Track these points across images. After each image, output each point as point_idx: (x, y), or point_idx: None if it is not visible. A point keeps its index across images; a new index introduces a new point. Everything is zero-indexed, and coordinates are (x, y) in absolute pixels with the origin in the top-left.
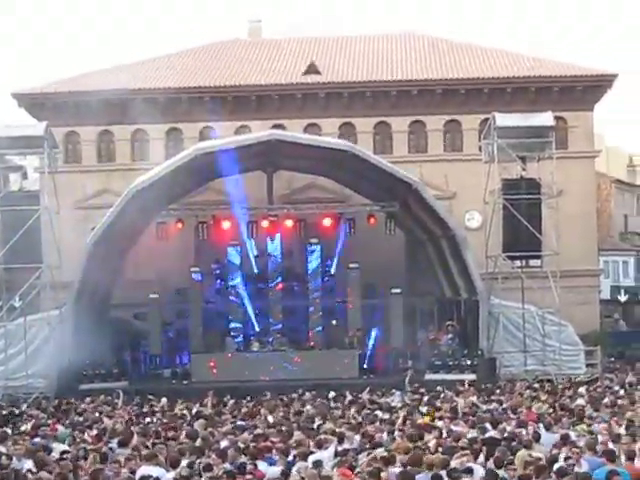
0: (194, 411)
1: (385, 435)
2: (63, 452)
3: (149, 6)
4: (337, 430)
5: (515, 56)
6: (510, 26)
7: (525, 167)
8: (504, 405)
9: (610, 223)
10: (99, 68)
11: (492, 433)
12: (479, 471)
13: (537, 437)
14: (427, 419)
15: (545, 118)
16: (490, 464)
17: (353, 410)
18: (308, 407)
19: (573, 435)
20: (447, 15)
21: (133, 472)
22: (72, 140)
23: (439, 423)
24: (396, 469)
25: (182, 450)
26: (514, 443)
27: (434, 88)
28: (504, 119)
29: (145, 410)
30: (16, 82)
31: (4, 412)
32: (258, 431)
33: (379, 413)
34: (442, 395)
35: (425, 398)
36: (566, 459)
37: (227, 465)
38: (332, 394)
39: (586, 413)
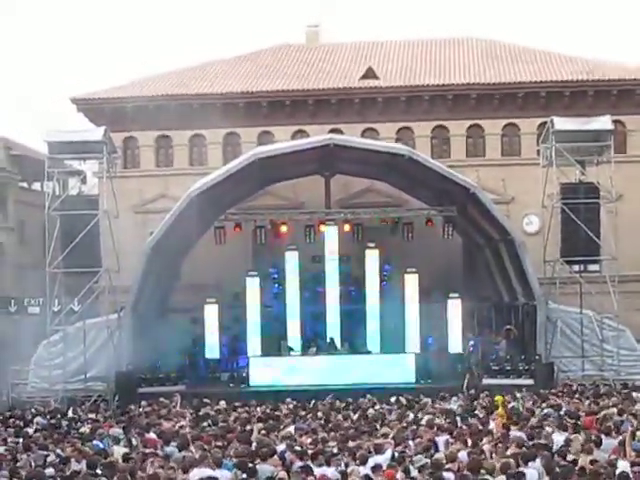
0: (252, 415)
1: (442, 440)
2: (125, 455)
3: (207, 10)
4: (394, 434)
5: (573, 59)
6: (567, 29)
7: (584, 171)
8: (563, 410)
9: None
10: (157, 73)
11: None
12: (534, 476)
13: (598, 442)
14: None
15: (603, 122)
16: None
17: (411, 414)
18: (370, 411)
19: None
20: (504, 19)
21: (190, 474)
22: (131, 145)
23: (493, 428)
24: (450, 474)
25: (238, 453)
26: (569, 449)
27: (492, 92)
28: (562, 123)
29: (202, 414)
30: (75, 87)
31: (63, 414)
32: (316, 436)
33: (437, 418)
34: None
35: (482, 403)
36: (633, 465)
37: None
38: (393, 399)
39: None
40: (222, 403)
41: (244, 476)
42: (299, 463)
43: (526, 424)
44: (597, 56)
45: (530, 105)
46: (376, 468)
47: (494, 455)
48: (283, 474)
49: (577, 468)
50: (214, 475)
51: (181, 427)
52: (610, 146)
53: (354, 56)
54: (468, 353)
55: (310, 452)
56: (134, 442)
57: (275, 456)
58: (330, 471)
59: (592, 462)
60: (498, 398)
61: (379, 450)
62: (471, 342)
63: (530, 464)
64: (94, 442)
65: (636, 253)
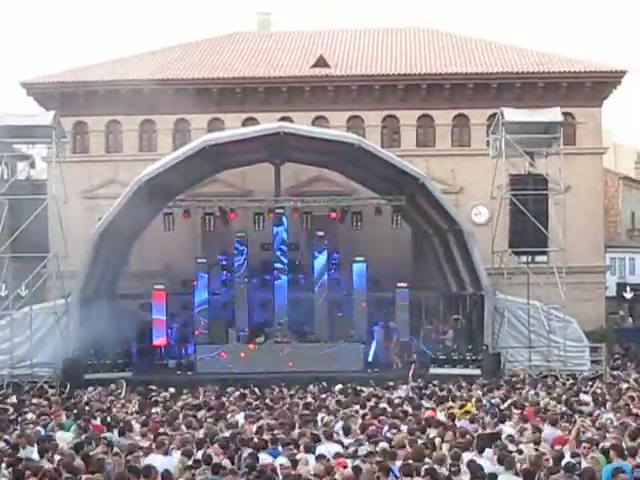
0: (197, 402)
1: (387, 429)
2: (77, 444)
3: None
4: (340, 423)
5: (524, 51)
6: (519, 21)
7: (533, 163)
8: (508, 401)
9: (617, 220)
10: (108, 58)
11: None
12: (486, 465)
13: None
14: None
15: (553, 114)
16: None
17: (358, 403)
18: (313, 399)
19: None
20: (456, 9)
21: (137, 461)
22: (80, 130)
23: (442, 418)
24: (397, 463)
25: (185, 441)
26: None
27: (442, 82)
28: (512, 114)
29: (148, 400)
30: (25, 71)
31: (9, 400)
32: (262, 422)
33: (384, 406)
34: (445, 389)
35: (429, 392)
36: (573, 455)
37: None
38: (338, 387)
39: (590, 409)
40: (171, 390)
41: (189, 463)
42: (248, 451)
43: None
44: (548, 49)
45: (480, 96)
46: (320, 457)
47: (443, 445)
48: (226, 462)
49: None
50: (162, 461)
51: (127, 413)
52: (559, 138)
53: (305, 44)
54: (419, 342)
55: (257, 440)
56: (81, 427)
57: (216, 444)
58: (278, 459)
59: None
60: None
61: (325, 439)
62: (423, 331)
63: (483, 454)
64: (37, 428)
65: (583, 245)
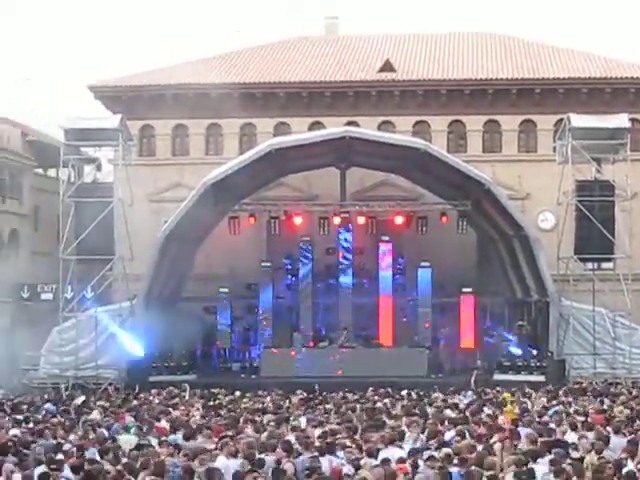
0: (261, 406)
1: (452, 434)
2: (138, 445)
3: (226, 0)
4: (403, 428)
5: (591, 56)
6: (586, 26)
7: (599, 169)
8: (573, 407)
9: None
10: (174, 62)
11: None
12: (543, 472)
13: (606, 440)
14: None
15: (621, 120)
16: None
17: (421, 409)
18: (379, 404)
19: None
20: (522, 14)
21: (204, 464)
22: (147, 133)
23: (504, 424)
24: (457, 468)
25: (250, 444)
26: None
27: (509, 88)
28: (579, 120)
29: (212, 404)
30: (93, 74)
31: (74, 401)
32: (327, 427)
33: (448, 412)
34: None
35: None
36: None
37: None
38: (404, 392)
39: None
40: (237, 393)
41: (249, 467)
42: (308, 454)
43: (534, 421)
44: (616, 54)
45: (547, 101)
46: (385, 462)
47: (503, 451)
48: (289, 465)
49: (584, 466)
50: (226, 464)
51: (192, 416)
52: (626, 144)
53: (372, 49)
54: (484, 348)
55: (319, 444)
56: (144, 430)
57: (279, 447)
58: (341, 462)
59: (600, 460)
60: (506, 395)
61: (388, 443)
62: (488, 337)
63: (539, 460)
64: (101, 430)
65: None
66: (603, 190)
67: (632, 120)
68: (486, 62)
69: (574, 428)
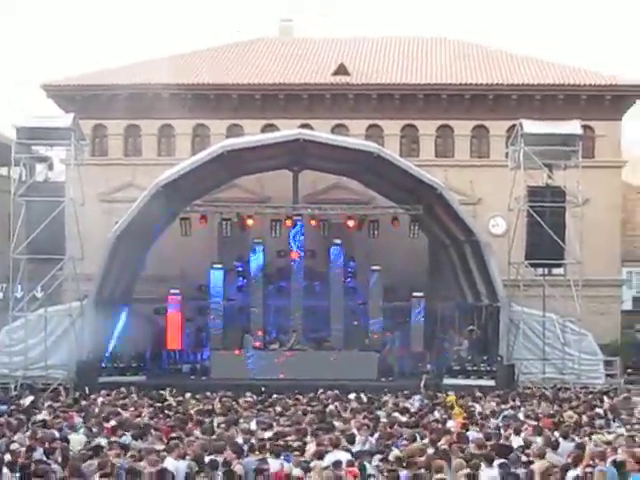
0: (210, 408)
1: (401, 438)
2: (90, 447)
3: (180, 1)
4: (353, 431)
5: (544, 63)
6: (540, 33)
7: (551, 175)
8: (522, 412)
9: (635, 234)
10: (128, 62)
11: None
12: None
13: (555, 445)
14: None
15: (573, 126)
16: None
17: (371, 412)
18: (330, 407)
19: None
20: (477, 21)
21: (153, 465)
22: (99, 133)
23: (452, 428)
24: (405, 472)
25: (202, 446)
26: (527, 451)
27: (463, 93)
28: (531, 126)
29: (160, 405)
30: (45, 73)
31: (22, 402)
32: (275, 429)
33: (397, 415)
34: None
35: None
36: (586, 467)
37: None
38: (352, 395)
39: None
40: (187, 395)
41: (197, 469)
42: (257, 457)
43: (485, 425)
44: (568, 61)
45: (500, 107)
46: (336, 465)
47: (451, 455)
48: (239, 467)
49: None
50: (176, 465)
51: (140, 417)
52: (578, 151)
53: (326, 52)
54: (433, 352)
55: (269, 446)
56: (94, 430)
57: (229, 449)
58: (289, 466)
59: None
60: (451, 397)
61: (337, 446)
62: (438, 341)
63: (493, 464)
64: (50, 430)
65: (600, 258)
66: (554, 196)
67: (584, 127)
68: (440, 67)
69: (518, 433)
